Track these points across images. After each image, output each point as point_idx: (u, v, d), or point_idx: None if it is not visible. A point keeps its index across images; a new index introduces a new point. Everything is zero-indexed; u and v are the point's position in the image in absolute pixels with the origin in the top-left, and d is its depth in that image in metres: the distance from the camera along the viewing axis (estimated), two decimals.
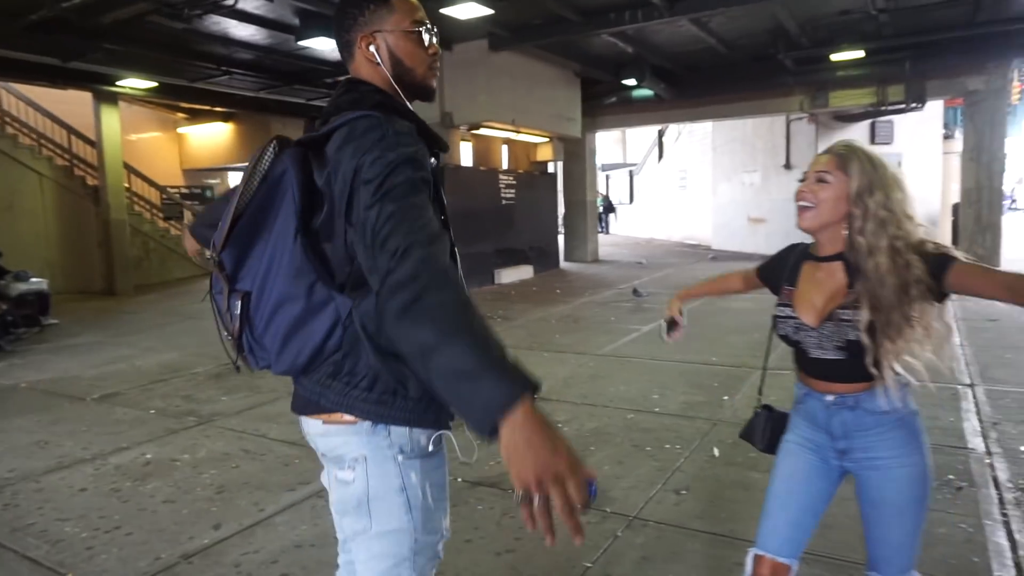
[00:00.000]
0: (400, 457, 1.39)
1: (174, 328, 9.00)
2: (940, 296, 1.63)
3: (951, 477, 3.54)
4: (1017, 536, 2.93)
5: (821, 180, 1.72)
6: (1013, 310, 8.04)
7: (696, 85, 14.55)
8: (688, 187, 22.30)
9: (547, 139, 14.93)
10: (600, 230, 21.22)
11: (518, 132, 13.41)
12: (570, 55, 13.12)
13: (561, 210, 16.73)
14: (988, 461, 3.74)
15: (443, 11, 9.07)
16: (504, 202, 13.21)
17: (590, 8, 10.18)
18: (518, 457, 0.97)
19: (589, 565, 2.83)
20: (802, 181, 1.78)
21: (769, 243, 16.99)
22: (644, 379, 5.72)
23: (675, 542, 3.01)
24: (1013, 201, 30.83)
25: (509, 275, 13.09)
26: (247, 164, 1.36)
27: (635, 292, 10.14)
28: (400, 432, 1.39)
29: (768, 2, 9.84)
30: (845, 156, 1.70)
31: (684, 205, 22.45)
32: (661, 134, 24.25)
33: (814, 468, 1.80)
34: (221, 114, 16.64)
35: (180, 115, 17.79)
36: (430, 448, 1.43)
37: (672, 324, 2.18)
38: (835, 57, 12.50)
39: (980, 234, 12.71)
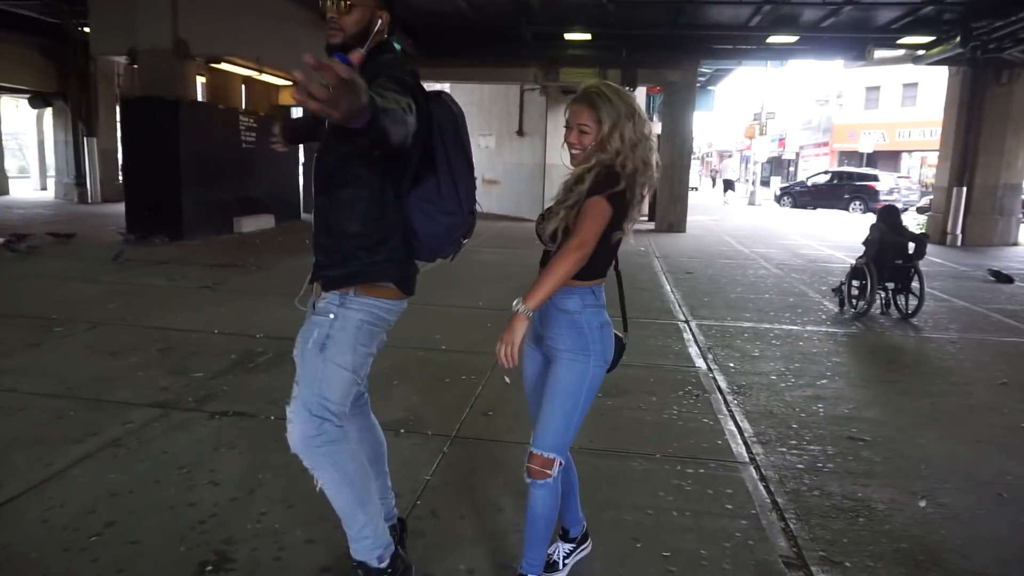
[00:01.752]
0: None
1: None
2: None
3: (689, 388, 4.45)
4: (741, 423, 3.87)
5: (584, 132, 2.04)
6: (703, 266, 9.89)
7: (441, 46, 14.86)
8: None
9: (292, 83, 14.14)
10: None
11: (261, 72, 12.54)
12: None
13: (302, 159, 16.10)
14: (711, 375, 4.76)
15: None
16: (245, 146, 12.33)
17: None
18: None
19: (428, 478, 3.08)
20: (568, 128, 2.08)
21: (501, 204, 18.27)
22: (424, 322, 6.00)
23: (495, 453, 3.40)
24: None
25: (249, 224, 12.33)
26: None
27: None
28: None
29: None
30: (597, 107, 2.02)
31: None
32: None
33: (541, 368, 2.19)
34: None
35: None
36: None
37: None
38: (568, 36, 13.79)
39: (672, 204, 15.17)
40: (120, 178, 17.73)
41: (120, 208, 11.58)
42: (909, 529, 2.80)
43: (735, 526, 2.76)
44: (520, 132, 17.46)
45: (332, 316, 1.98)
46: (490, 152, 18.93)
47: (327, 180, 2.00)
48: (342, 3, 1.89)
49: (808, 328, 6.27)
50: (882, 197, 22.90)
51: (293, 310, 2.18)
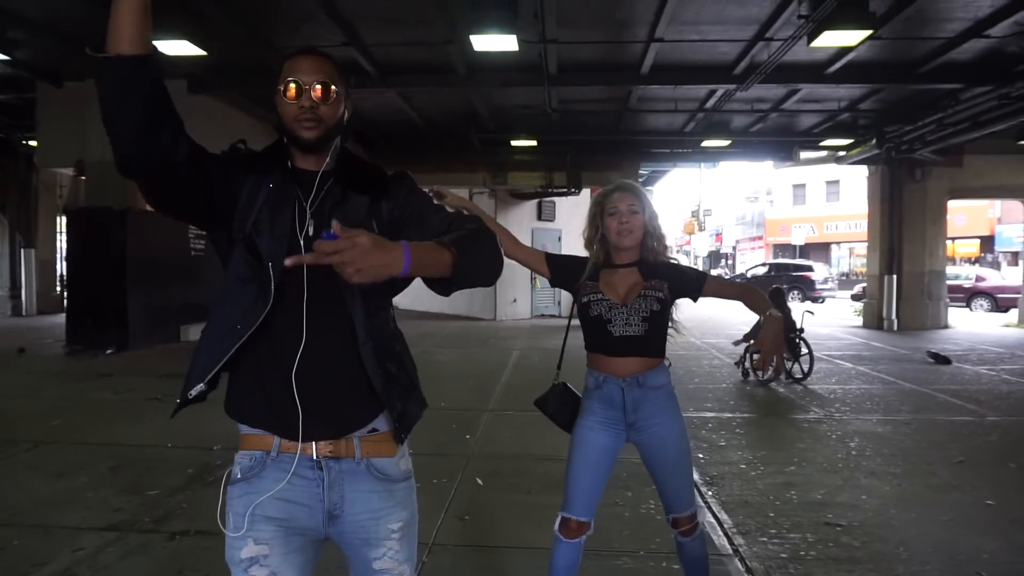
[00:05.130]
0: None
1: None
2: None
3: None
4: (719, 514, 3.84)
5: (633, 212, 2.30)
6: None
7: (392, 153, 15.16)
8: None
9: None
10: None
11: None
12: (272, 107, 12.91)
13: None
14: None
15: None
16: (194, 254, 12.21)
17: None
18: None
19: None
20: (612, 215, 2.30)
21: (454, 304, 18.31)
22: None
23: (476, 558, 3.28)
24: None
25: (197, 331, 11.84)
26: None
27: None
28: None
29: (465, 88, 11.07)
30: (638, 193, 2.35)
31: None
32: None
33: (605, 446, 2.31)
34: None
35: None
36: (238, 475, 1.46)
37: None
38: (515, 142, 14.42)
39: None
40: (57, 289, 17.23)
41: (57, 319, 11.20)
42: None
43: None
44: None
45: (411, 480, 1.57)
46: None
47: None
48: (331, 88, 1.47)
49: (769, 417, 6.37)
50: (818, 286, 23.98)
51: None
